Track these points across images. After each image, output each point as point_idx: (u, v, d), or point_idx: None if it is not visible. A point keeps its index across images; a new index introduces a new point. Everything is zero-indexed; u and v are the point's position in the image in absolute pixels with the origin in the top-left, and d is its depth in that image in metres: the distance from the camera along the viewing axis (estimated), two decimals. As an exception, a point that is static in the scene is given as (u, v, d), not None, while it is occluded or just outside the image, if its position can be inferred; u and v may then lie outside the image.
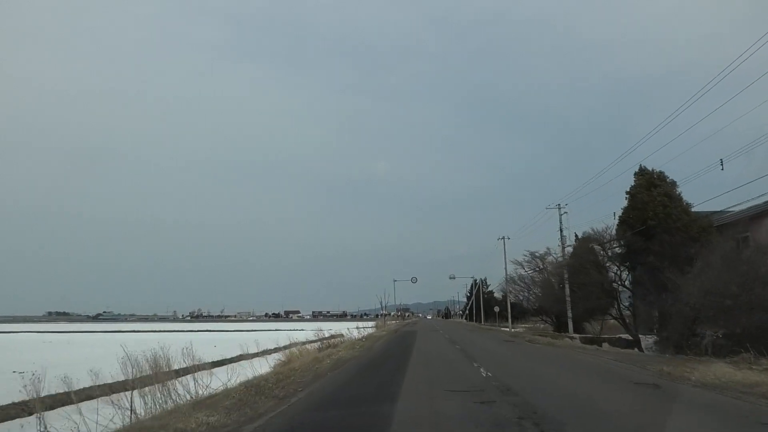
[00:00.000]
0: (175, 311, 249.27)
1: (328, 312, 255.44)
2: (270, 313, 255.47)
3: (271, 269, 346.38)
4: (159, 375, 9.50)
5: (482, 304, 78.07)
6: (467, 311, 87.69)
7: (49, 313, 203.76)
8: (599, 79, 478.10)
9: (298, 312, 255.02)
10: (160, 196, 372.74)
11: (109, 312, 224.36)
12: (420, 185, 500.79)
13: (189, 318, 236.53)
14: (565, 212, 37.05)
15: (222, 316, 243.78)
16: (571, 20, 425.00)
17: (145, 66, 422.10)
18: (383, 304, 59.56)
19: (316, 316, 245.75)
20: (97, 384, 10.50)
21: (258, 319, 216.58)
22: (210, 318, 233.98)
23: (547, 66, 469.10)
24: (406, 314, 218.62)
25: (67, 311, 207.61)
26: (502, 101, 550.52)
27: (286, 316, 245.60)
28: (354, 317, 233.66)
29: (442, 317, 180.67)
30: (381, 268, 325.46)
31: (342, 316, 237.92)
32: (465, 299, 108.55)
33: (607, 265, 30.52)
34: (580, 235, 36.12)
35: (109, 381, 10.62)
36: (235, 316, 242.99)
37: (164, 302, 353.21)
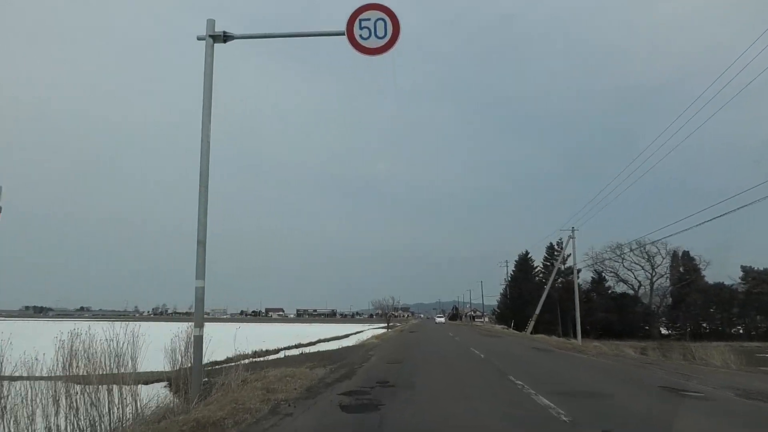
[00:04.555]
0: (136, 307, 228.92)
1: (315, 311, 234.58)
2: (248, 311, 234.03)
3: (256, 266, 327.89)
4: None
5: (559, 300, 39.58)
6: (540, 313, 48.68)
7: (26, 308, 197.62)
8: (607, 83, 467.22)
9: (280, 310, 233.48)
10: (145, 193, 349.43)
11: (85, 308, 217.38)
12: (422, 186, 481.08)
13: (152, 315, 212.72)
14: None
15: (191, 314, 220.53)
16: (581, 26, 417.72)
17: (151, 64, 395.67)
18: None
19: (301, 315, 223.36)
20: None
21: (232, 318, 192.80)
22: (176, 316, 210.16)
23: (554, 70, 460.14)
24: (405, 315, 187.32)
25: (43, 306, 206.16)
26: (508, 104, 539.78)
27: (266, 314, 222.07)
28: (345, 317, 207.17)
29: (449, 319, 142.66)
30: (381, 268, 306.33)
31: (331, 316, 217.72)
32: (503, 287, 70.68)
33: None
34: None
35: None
36: (207, 314, 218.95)
37: (123, 296, 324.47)
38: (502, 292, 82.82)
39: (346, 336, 48.01)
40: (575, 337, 46.24)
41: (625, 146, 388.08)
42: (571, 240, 35.34)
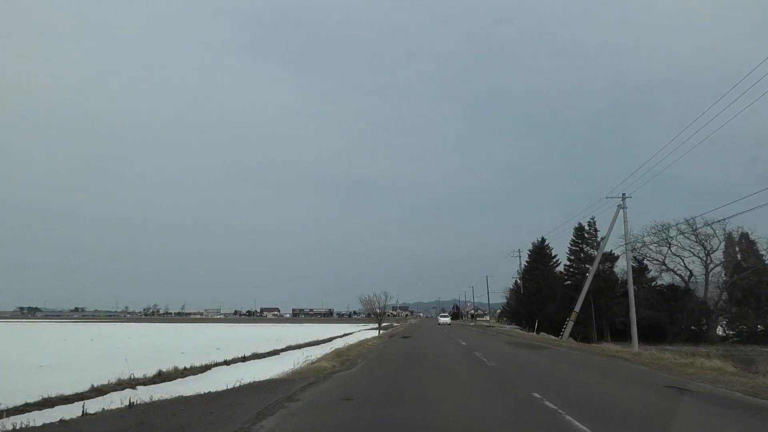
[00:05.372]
0: (126, 307, 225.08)
1: (311, 310, 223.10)
2: (242, 311, 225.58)
3: (253, 265, 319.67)
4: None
5: (594, 293, 29.85)
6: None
7: (21, 309, 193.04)
8: (607, 82, 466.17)
9: (276, 310, 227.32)
10: (137, 193, 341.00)
11: (79, 308, 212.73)
12: (421, 185, 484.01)
13: (143, 315, 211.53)
14: None
15: (183, 314, 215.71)
16: (581, 24, 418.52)
17: (154, 64, 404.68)
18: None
19: (297, 315, 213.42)
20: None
21: (226, 318, 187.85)
22: (166, 316, 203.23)
23: (555, 68, 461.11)
24: (405, 314, 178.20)
25: (38, 306, 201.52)
26: (510, 103, 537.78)
27: (261, 314, 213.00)
28: (341, 316, 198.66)
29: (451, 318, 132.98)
30: (379, 267, 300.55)
31: (327, 315, 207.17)
32: (515, 280, 61.24)
33: None
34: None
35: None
36: (201, 314, 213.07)
37: (119, 297, 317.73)
38: (512, 287, 73.28)
39: (328, 340, 38.97)
40: (610, 340, 36.91)
41: (625, 145, 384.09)
42: (621, 211, 25.73)
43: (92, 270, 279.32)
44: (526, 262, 55.94)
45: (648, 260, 38.49)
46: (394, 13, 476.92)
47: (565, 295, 41.36)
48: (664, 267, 37.51)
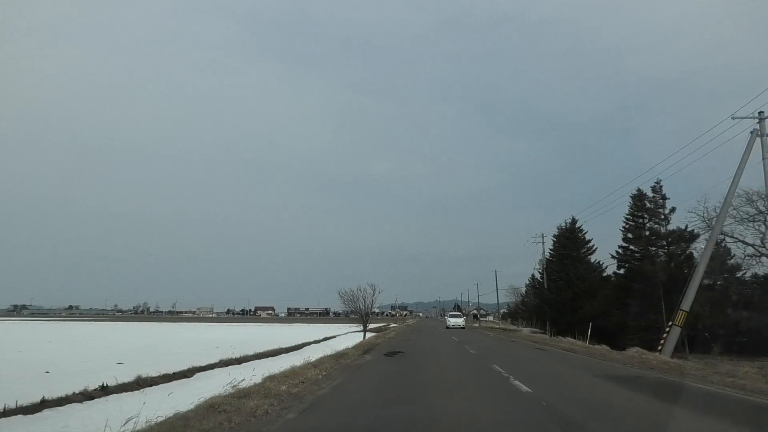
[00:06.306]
0: (116, 305, 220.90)
1: (307, 309, 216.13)
2: (235, 310, 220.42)
3: (250, 264, 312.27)
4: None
5: (663, 285, 18.88)
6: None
7: (14, 306, 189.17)
8: (607, 82, 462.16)
9: (270, 309, 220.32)
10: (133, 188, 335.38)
11: (74, 306, 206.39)
12: (420, 185, 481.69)
13: (132, 314, 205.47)
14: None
15: (175, 312, 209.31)
16: (582, 24, 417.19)
17: (154, 63, 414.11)
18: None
19: (293, 314, 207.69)
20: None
21: (218, 317, 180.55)
22: (158, 315, 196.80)
23: (555, 69, 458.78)
24: (404, 314, 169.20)
25: (31, 305, 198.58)
26: (510, 103, 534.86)
27: (255, 313, 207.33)
28: (338, 315, 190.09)
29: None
30: (378, 267, 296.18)
31: (324, 315, 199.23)
32: (536, 270, 50.27)
33: None
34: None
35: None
36: (193, 313, 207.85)
37: (109, 294, 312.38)
38: (527, 282, 63.13)
39: (301, 346, 29.23)
40: (688, 351, 26.60)
41: (624, 145, 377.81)
42: (758, 140, 15.22)
43: (88, 268, 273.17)
44: (550, 250, 45.79)
45: (728, 241, 28.04)
46: (395, 13, 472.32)
47: (618, 287, 30.96)
48: (756, 251, 27.02)
